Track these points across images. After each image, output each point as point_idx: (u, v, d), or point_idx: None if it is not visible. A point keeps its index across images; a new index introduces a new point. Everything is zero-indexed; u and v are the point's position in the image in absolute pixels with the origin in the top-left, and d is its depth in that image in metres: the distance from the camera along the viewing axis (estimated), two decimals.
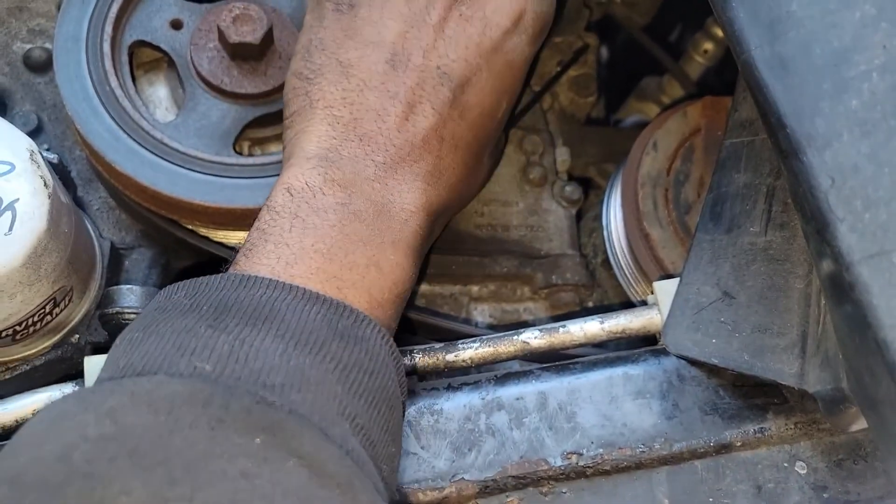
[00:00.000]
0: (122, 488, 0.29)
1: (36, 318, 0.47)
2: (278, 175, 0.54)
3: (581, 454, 0.44)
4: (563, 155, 0.69)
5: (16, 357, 0.50)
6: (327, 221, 0.44)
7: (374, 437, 0.38)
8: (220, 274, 0.41)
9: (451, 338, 0.50)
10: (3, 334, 0.47)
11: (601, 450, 0.44)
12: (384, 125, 0.47)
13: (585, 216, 0.70)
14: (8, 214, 0.43)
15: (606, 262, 0.65)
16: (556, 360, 0.49)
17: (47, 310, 0.48)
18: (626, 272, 0.62)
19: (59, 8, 0.64)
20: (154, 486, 0.29)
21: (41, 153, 0.46)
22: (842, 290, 0.30)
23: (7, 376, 0.50)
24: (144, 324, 0.38)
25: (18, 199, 0.43)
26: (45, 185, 0.44)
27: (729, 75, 0.77)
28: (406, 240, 0.45)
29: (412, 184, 0.47)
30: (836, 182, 0.31)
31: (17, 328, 0.47)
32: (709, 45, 0.76)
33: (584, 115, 0.75)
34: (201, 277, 0.41)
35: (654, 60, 0.79)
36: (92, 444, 0.30)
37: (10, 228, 0.43)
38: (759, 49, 0.34)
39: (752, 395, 0.45)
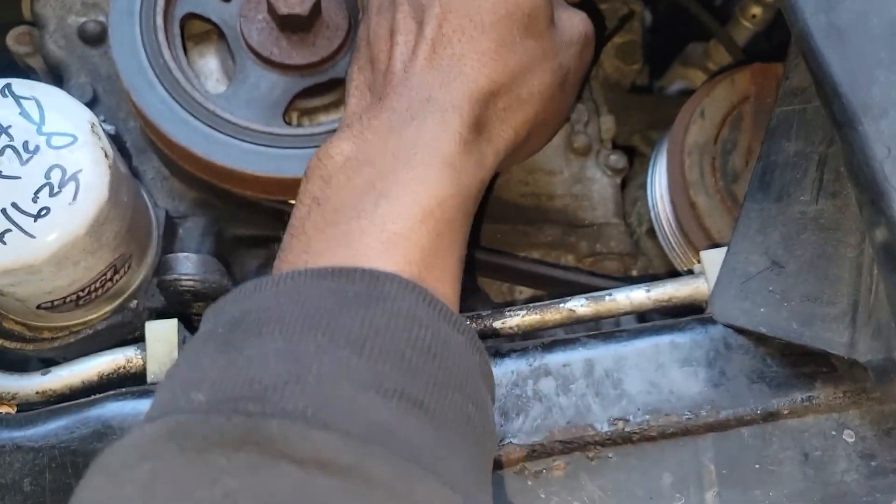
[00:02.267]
0: None
1: (98, 285, 0.49)
2: None
3: (627, 420, 0.45)
4: (607, 123, 0.69)
5: (78, 322, 0.52)
6: (336, 184, 0.42)
7: (419, 395, 0.34)
8: (239, 286, 0.39)
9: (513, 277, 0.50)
10: (67, 300, 0.49)
11: (647, 416, 0.45)
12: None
13: (630, 185, 0.70)
14: (71, 185, 0.44)
15: (651, 231, 0.65)
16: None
17: (108, 276, 0.50)
18: (671, 241, 0.62)
19: None
20: None
21: (101, 125, 0.48)
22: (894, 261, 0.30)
23: (71, 340, 0.52)
24: (177, 361, 0.38)
25: (81, 170, 0.45)
26: (106, 156, 0.46)
27: (777, 41, 0.76)
28: (428, 149, 0.42)
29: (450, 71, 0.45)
30: (892, 152, 0.31)
31: (80, 294, 0.49)
32: (757, 10, 0.75)
33: (629, 82, 0.75)
34: (228, 294, 0.39)
35: (699, 26, 0.78)
36: None
37: (74, 198, 0.44)
38: (815, 18, 0.33)
39: (800, 363, 0.45)
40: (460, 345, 0.37)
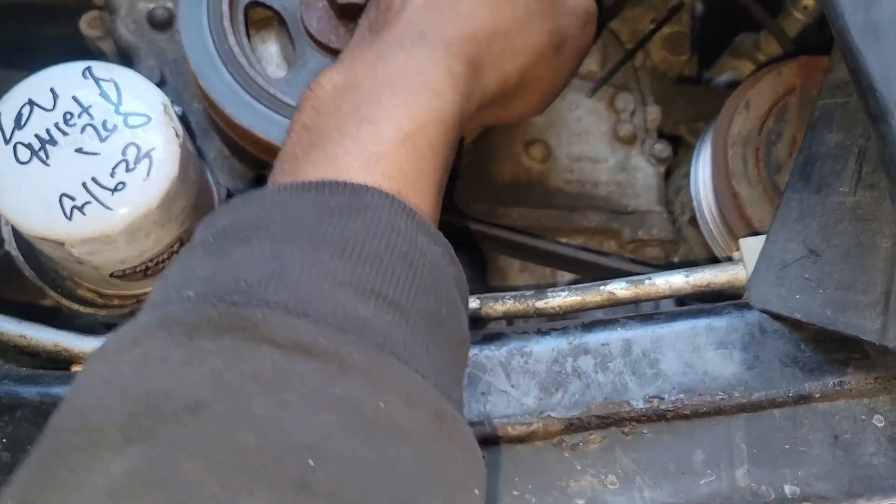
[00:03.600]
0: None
1: (165, 256, 0.53)
2: None
3: (662, 398, 0.46)
4: (653, 113, 0.71)
5: (145, 291, 0.56)
6: (325, 111, 0.44)
7: (394, 296, 0.36)
8: (230, 200, 0.42)
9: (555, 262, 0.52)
10: (137, 269, 0.52)
11: (682, 395, 0.46)
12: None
13: (674, 174, 0.72)
14: (146, 162, 0.48)
15: (693, 219, 0.66)
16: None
17: (175, 249, 0.53)
18: (713, 230, 0.63)
19: None
20: (129, 410, 0.31)
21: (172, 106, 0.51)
22: None
23: (139, 308, 0.55)
24: (169, 266, 0.40)
25: (154, 149, 0.48)
26: (177, 135, 0.49)
27: (828, 33, 0.76)
28: (414, 76, 0.44)
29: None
30: None
31: (150, 264, 0.52)
32: (809, 1, 0.75)
33: (677, 73, 0.76)
34: (218, 207, 0.41)
35: (750, 16, 0.78)
36: (90, 398, 0.32)
37: (148, 174, 0.47)
38: (853, 15, 0.35)
39: (833, 349, 0.46)
40: (436, 255, 0.39)
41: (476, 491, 0.35)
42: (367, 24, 0.51)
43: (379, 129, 0.42)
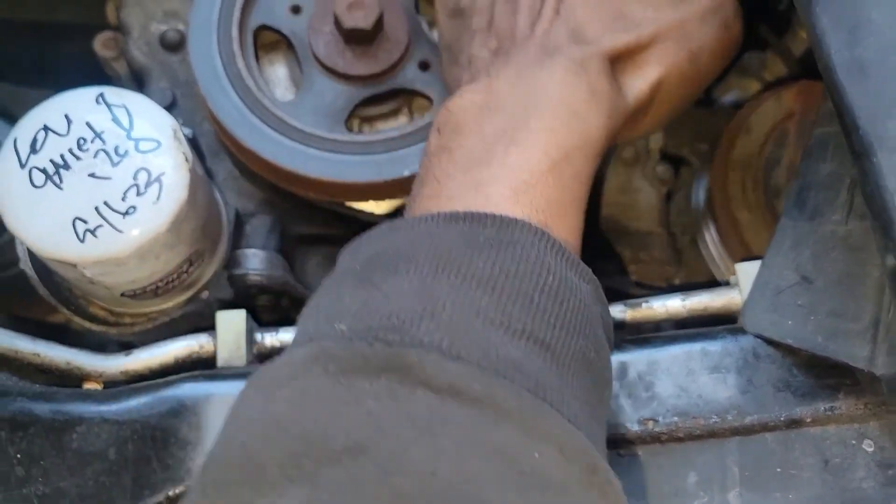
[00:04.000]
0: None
1: (174, 276, 0.54)
2: (386, 151, 0.59)
3: (657, 421, 0.47)
4: (656, 135, 0.71)
5: (156, 309, 0.57)
6: (468, 132, 0.43)
7: (545, 336, 0.35)
8: (376, 227, 0.41)
9: None
10: (148, 289, 0.54)
11: (676, 418, 0.47)
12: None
13: (677, 195, 0.73)
14: (156, 186, 0.49)
15: (695, 241, 0.67)
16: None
17: (184, 269, 0.55)
18: (713, 253, 0.64)
19: None
20: (289, 448, 0.31)
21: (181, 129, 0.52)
22: None
23: (149, 326, 0.57)
24: (318, 293, 0.40)
25: (164, 173, 0.49)
26: (186, 160, 0.51)
27: None
28: (557, 96, 0.43)
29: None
30: None
31: (159, 284, 0.54)
32: None
33: None
34: (365, 233, 0.41)
35: (757, 34, 0.79)
36: (251, 432, 0.33)
37: (158, 198, 0.49)
38: (839, 53, 0.36)
39: (825, 375, 0.47)
40: (585, 293, 0.39)
41: None
42: (484, 45, 0.51)
43: (527, 154, 0.42)
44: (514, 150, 0.42)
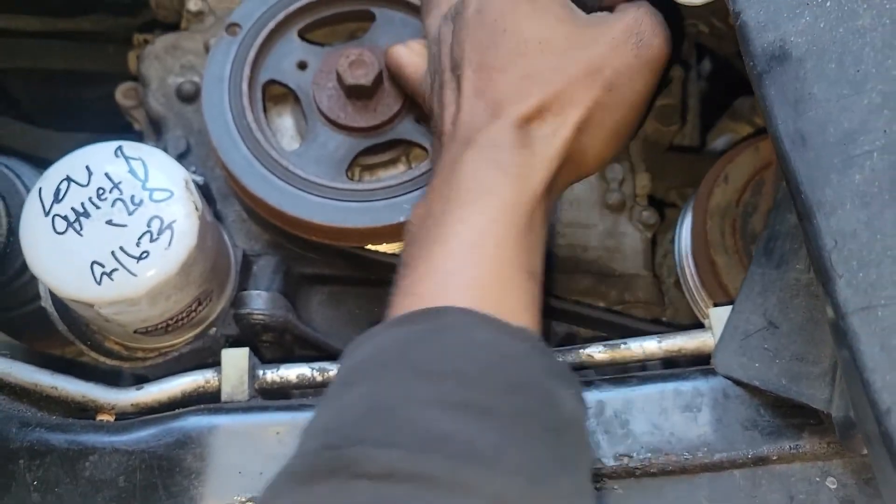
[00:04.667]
0: None
1: (184, 315, 0.58)
2: (385, 198, 0.63)
3: (632, 457, 0.50)
4: (643, 181, 0.75)
5: (166, 345, 0.61)
6: (412, 242, 0.49)
7: (481, 402, 0.39)
8: (352, 341, 0.46)
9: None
10: (159, 326, 0.57)
11: (650, 454, 0.50)
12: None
13: (662, 238, 0.76)
14: (168, 233, 0.53)
15: (678, 283, 0.71)
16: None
17: (193, 308, 0.58)
18: (695, 295, 0.67)
19: (206, 47, 0.75)
20: None
21: (192, 179, 0.56)
22: (840, 336, 0.36)
23: (160, 360, 0.60)
24: (318, 405, 0.45)
25: (175, 221, 0.53)
26: (196, 208, 0.55)
27: None
28: (469, 184, 0.48)
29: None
30: (837, 244, 0.36)
31: (170, 322, 0.58)
32: None
33: (668, 142, 0.81)
34: (349, 345, 0.46)
35: (748, 80, 0.82)
36: None
37: (170, 244, 0.53)
38: (784, 124, 0.39)
39: (790, 415, 0.50)
40: (521, 352, 0.43)
41: None
42: (436, 134, 0.56)
43: (447, 247, 0.47)
44: (437, 247, 0.47)
